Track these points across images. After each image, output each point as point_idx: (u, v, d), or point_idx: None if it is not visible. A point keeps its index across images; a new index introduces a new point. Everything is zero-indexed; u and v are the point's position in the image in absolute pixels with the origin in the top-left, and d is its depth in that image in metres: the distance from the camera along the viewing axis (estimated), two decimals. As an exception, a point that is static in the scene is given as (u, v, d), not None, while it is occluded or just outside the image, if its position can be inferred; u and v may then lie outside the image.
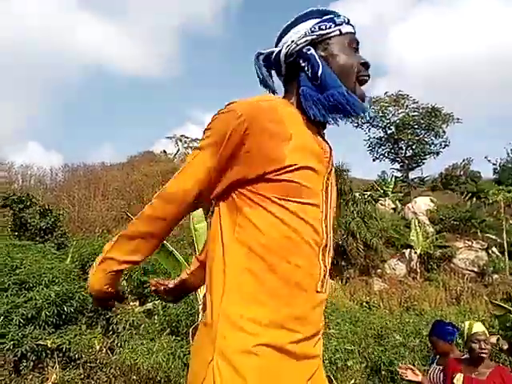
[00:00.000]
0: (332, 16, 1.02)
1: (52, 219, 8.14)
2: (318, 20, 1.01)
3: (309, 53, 0.98)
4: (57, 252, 7.02)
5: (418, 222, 14.95)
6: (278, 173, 0.88)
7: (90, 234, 9.59)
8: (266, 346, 0.85)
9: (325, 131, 1.05)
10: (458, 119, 23.91)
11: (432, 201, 18.15)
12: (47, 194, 12.79)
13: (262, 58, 1.05)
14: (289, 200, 0.89)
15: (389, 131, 24.93)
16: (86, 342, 4.88)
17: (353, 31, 1.04)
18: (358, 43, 1.04)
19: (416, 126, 24.15)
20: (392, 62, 54.03)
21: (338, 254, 12.74)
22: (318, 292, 0.93)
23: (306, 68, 0.98)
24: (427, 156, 25.02)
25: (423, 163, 25.46)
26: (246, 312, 0.86)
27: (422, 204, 17.77)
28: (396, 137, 24.47)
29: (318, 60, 0.97)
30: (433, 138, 24.60)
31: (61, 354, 4.75)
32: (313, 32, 1.00)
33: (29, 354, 4.52)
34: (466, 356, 2.50)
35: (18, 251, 5.84)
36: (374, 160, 26.25)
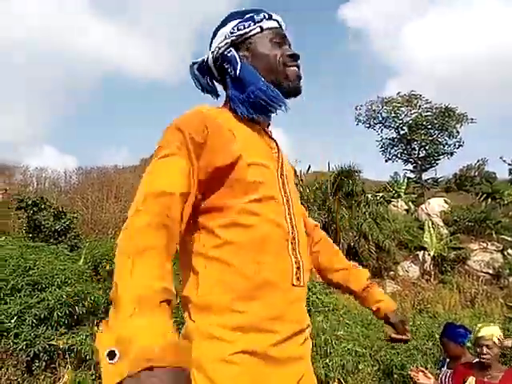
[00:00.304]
0: (252, 14, 1.02)
1: (66, 221, 8.24)
2: (238, 21, 1.02)
3: (229, 54, 1.00)
4: (70, 253, 7.10)
5: (432, 224, 14.75)
6: (232, 171, 0.88)
7: (102, 236, 9.68)
8: (243, 352, 0.82)
9: (270, 128, 1.05)
10: (472, 119, 23.54)
11: (446, 202, 17.90)
12: (61, 197, 12.96)
13: (196, 67, 1.06)
14: (247, 200, 0.88)
15: (401, 132, 24.66)
16: (98, 342, 4.92)
17: (276, 26, 1.04)
18: (283, 36, 1.04)
19: (429, 127, 23.83)
20: (404, 62, 53.54)
21: (349, 255, 12.64)
22: (294, 286, 0.91)
23: (230, 70, 0.99)
24: (441, 157, 24.64)
25: (437, 164, 25.10)
26: (220, 320, 0.85)
27: (436, 205, 17.53)
28: (409, 137, 24.19)
29: (238, 59, 0.98)
30: (446, 139, 24.23)
31: (73, 355, 4.80)
32: (232, 33, 1.01)
33: (41, 354, 4.57)
34: (477, 359, 2.46)
35: (32, 252, 5.92)
36: (386, 161, 26.02)
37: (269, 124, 1.06)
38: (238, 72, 0.96)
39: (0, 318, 4.54)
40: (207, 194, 0.88)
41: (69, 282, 5.30)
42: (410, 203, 19.40)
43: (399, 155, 25.58)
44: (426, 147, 24.36)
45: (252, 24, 1.00)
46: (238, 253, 0.87)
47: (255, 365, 0.83)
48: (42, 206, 8.22)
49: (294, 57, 1.02)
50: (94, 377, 4.67)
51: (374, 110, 24.77)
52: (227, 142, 0.89)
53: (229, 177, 0.88)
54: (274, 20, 1.03)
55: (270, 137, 1.03)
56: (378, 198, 16.38)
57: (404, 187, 20.62)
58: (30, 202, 8.15)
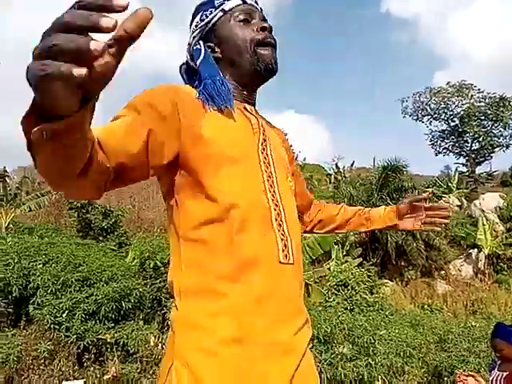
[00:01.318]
0: (211, 0, 0.99)
1: (113, 219, 8.59)
2: (201, 12, 0.99)
3: (195, 48, 0.98)
4: (117, 250, 7.38)
5: (486, 220, 13.95)
6: (201, 146, 0.86)
7: (148, 234, 9.99)
8: (226, 341, 0.78)
9: (254, 106, 1.03)
10: (529, 109, 22.07)
11: (501, 197, 16.87)
12: (110, 196, 13.52)
13: (184, 68, 1.05)
14: (219, 177, 0.85)
15: (452, 123, 23.55)
16: (143, 337, 5.08)
17: (239, 2, 0.99)
18: (250, 11, 0.99)
19: (482, 117, 22.57)
20: (454, 52, 51.06)
21: (397, 254, 12.23)
22: (281, 263, 0.86)
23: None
24: (495, 149, 23.27)
25: (491, 157, 23.70)
26: (202, 305, 0.81)
27: (491, 200, 16.58)
28: (460, 129, 23.04)
29: (202, 52, 0.96)
30: (501, 130, 22.84)
31: (119, 348, 4.98)
32: (196, 26, 0.99)
33: (90, 347, 4.78)
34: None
35: (82, 250, 6.21)
36: (436, 154, 24.94)
37: (250, 103, 1.02)
38: (197, 64, 0.96)
39: (52, 311, 4.80)
40: (183, 168, 0.86)
41: (115, 278, 5.50)
42: (463, 198, 18.51)
43: (450, 148, 24.44)
44: (480, 139, 23.08)
45: (213, 10, 0.98)
46: (215, 232, 0.84)
47: (241, 355, 0.78)
48: (92, 206, 8.63)
49: (266, 29, 0.97)
50: (139, 370, 4.83)
51: (421, 102, 23.84)
52: (197, 118, 0.88)
53: (198, 152, 0.85)
54: None
55: (251, 113, 1.00)
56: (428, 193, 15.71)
57: (456, 182, 19.69)
58: (80, 203, 8.58)
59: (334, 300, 7.05)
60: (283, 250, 0.87)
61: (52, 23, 0.42)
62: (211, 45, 0.99)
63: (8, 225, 9.20)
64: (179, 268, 0.86)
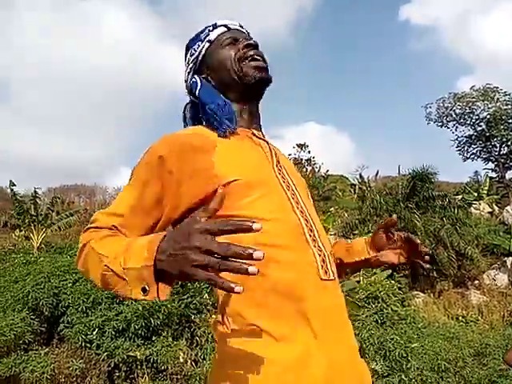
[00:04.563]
0: (198, 33, 1.03)
1: (140, 237, 8.73)
2: (190, 49, 1.03)
3: (191, 82, 1.01)
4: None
5: (520, 227, 13.45)
6: (212, 183, 0.87)
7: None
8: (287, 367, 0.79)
9: (260, 130, 1.05)
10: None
11: (535, 202, 16.26)
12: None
13: (188, 107, 1.09)
14: (244, 202, 0.85)
15: (478, 128, 22.94)
16: (172, 353, 5.08)
17: (224, 30, 1.02)
18: (235, 36, 1.02)
19: (510, 121, 21.91)
20: (478, 57, 50.11)
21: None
22: (322, 280, 0.85)
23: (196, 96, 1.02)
24: (525, 153, 22.54)
25: (522, 161, 22.97)
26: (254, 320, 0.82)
27: (524, 206, 15.99)
28: (488, 134, 22.42)
29: (198, 83, 0.99)
30: (531, 133, 22.14)
31: (149, 365, 4.99)
32: (189, 62, 1.03)
33: (121, 364, 4.81)
34: None
35: (110, 268, 6.31)
36: (464, 160, 24.30)
37: (256, 128, 1.04)
38: (197, 94, 0.98)
39: (83, 330, 4.87)
40: None
41: (144, 295, 5.55)
42: (494, 205, 17.92)
43: (478, 153, 23.78)
44: (508, 143, 22.36)
45: (200, 43, 1.01)
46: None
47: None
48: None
49: (250, 46, 0.99)
50: (169, 387, 4.82)
51: (446, 108, 23.37)
52: (203, 157, 0.90)
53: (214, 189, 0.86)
54: (220, 26, 1.02)
55: (260, 138, 1.01)
56: (457, 201, 15.27)
57: (486, 188, 19.09)
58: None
59: (363, 314, 6.88)
60: (322, 267, 0.86)
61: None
62: (204, 76, 1.02)
63: (40, 245, 9.47)
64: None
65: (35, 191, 10.14)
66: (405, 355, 4.86)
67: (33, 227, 9.60)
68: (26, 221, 9.70)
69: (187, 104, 1.08)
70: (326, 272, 0.86)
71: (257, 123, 1.04)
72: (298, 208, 0.89)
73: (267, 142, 1.01)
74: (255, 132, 1.01)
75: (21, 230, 10.12)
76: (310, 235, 0.87)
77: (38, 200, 10.28)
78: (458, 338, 6.68)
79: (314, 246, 0.87)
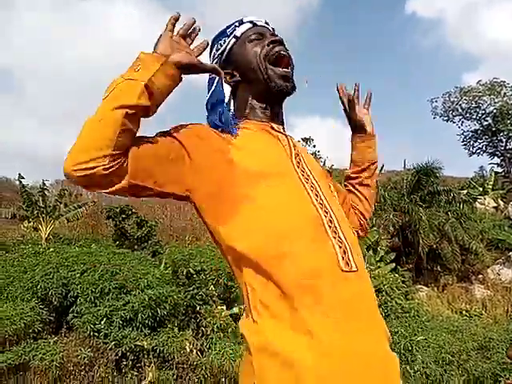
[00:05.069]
0: (224, 29, 1.04)
1: (147, 229, 8.81)
2: (216, 44, 1.04)
3: (210, 78, 1.02)
4: (151, 259, 7.54)
5: (526, 222, 13.41)
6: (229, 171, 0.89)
7: (180, 242, 10.15)
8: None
9: (282, 126, 1.05)
10: None
11: (541, 197, 16.17)
12: (143, 206, 13.82)
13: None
14: (260, 191, 0.87)
15: (485, 123, 22.79)
16: (178, 343, 5.15)
17: (250, 26, 1.03)
18: (261, 32, 1.02)
19: (517, 116, 21.78)
20: (484, 51, 49.55)
21: (431, 259, 11.91)
22: (343, 271, 0.85)
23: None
24: (532, 147, 22.39)
25: (528, 156, 22.82)
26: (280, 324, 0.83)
27: (529, 201, 15.91)
28: (494, 128, 22.27)
29: (215, 82, 1.00)
30: (538, 127, 21.97)
31: (156, 355, 5.07)
32: (214, 57, 1.04)
33: (128, 353, 4.89)
34: None
35: (118, 258, 6.38)
36: (470, 155, 24.17)
37: (277, 122, 1.05)
38: (207, 93, 1.00)
39: (91, 319, 4.95)
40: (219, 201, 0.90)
41: (151, 285, 5.61)
42: (499, 200, 17.83)
43: (484, 148, 23.65)
44: (515, 138, 22.27)
45: (226, 38, 1.02)
46: (262, 252, 0.85)
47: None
48: (129, 213, 8.89)
49: (276, 42, 1.00)
50: (175, 376, 4.90)
51: (452, 102, 23.22)
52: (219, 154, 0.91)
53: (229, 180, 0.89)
54: (247, 22, 1.03)
55: (279, 132, 1.02)
56: (462, 195, 15.22)
57: (492, 183, 18.99)
58: (118, 210, 8.85)
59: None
60: (343, 258, 0.86)
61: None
62: (229, 71, 1.02)
63: (48, 236, 9.57)
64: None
65: (43, 183, 10.22)
66: (410, 348, 4.90)
67: (41, 219, 9.70)
68: (35, 212, 9.78)
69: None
70: (348, 263, 0.85)
71: (278, 118, 1.04)
72: (316, 200, 0.90)
73: (286, 136, 1.02)
74: (274, 125, 1.02)
75: (29, 222, 10.21)
76: (330, 226, 0.88)
77: (46, 192, 10.37)
78: (461, 331, 6.71)
79: (334, 238, 0.87)
